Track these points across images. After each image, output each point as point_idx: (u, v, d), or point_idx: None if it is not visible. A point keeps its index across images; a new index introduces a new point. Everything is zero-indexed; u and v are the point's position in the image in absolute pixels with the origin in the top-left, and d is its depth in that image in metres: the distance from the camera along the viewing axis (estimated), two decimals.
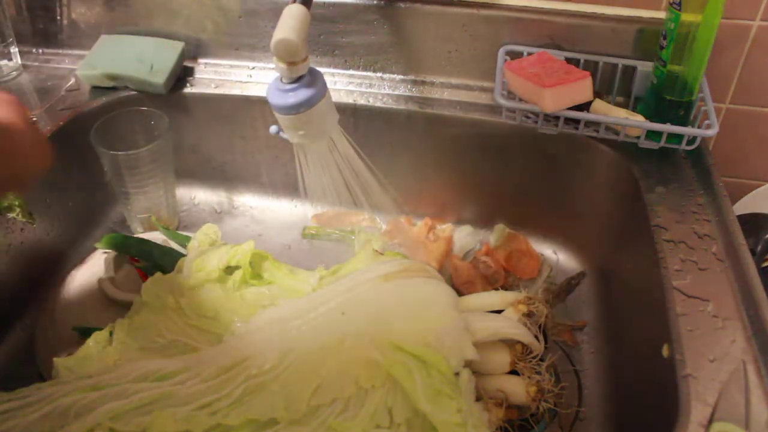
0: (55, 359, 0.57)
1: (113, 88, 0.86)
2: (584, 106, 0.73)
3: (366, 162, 0.68)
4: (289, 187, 0.92)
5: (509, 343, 0.60)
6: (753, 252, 0.70)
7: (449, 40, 0.82)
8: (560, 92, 0.70)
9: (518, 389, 0.58)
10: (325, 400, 0.51)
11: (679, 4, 0.66)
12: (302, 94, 0.56)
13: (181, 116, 0.87)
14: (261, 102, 0.83)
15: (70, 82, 0.88)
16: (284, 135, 0.64)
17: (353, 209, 0.88)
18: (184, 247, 0.75)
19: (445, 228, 0.86)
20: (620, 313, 0.72)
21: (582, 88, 0.71)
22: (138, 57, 0.85)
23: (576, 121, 0.73)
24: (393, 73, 0.86)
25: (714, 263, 0.60)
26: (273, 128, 0.68)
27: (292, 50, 0.53)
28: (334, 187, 0.67)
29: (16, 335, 0.74)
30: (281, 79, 0.58)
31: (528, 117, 0.75)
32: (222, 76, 0.88)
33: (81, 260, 0.75)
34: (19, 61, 0.90)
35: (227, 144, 0.90)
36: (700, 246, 0.62)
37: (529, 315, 0.62)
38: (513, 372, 0.59)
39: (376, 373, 0.52)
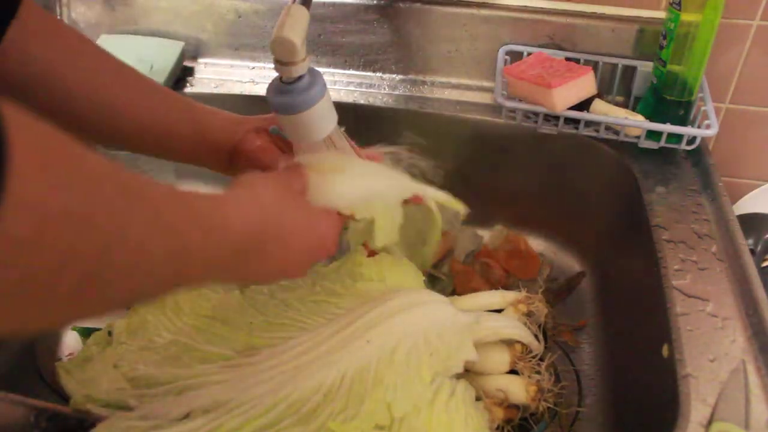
0: (57, 364, 0.57)
1: None
2: (585, 105, 0.73)
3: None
4: None
5: (509, 343, 0.60)
6: (753, 252, 0.70)
7: (449, 40, 0.82)
8: (567, 90, 0.70)
9: (518, 389, 0.57)
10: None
11: (679, 4, 0.66)
12: (301, 94, 0.56)
13: None
14: (261, 102, 0.83)
15: None
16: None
17: None
18: None
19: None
20: (620, 313, 0.72)
21: (586, 82, 0.71)
22: (138, 57, 0.85)
23: (576, 121, 0.73)
24: (393, 73, 0.86)
25: (714, 263, 0.60)
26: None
27: (290, 50, 0.53)
28: None
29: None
30: (281, 79, 0.58)
31: (528, 117, 0.75)
32: (222, 76, 0.88)
33: None
34: None
35: None
36: (700, 246, 0.62)
37: (529, 315, 0.62)
38: (513, 372, 0.59)
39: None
